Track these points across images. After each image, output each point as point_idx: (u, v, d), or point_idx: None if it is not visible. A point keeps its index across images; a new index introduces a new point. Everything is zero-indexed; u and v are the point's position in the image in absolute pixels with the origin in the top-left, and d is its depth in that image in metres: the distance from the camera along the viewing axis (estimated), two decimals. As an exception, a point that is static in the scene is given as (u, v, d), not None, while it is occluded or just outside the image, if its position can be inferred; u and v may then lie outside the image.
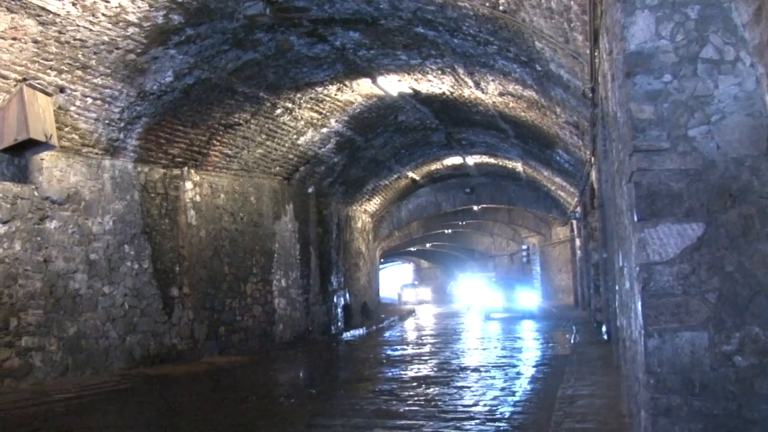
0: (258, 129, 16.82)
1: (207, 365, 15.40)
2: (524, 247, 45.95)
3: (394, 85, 16.29)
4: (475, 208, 36.62)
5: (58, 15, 10.16)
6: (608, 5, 5.99)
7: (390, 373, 14.18)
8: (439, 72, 14.82)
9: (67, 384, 12.25)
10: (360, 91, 16.75)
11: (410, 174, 28.06)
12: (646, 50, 5.14)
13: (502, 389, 11.64)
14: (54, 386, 12.01)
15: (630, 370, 6.88)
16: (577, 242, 27.86)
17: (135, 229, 14.65)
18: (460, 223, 45.69)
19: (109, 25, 10.81)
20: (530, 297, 31.93)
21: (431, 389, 11.86)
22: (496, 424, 9.00)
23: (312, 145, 19.38)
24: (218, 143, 16.27)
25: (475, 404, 10.30)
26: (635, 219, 5.13)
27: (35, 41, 10.58)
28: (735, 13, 4.98)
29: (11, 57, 10.68)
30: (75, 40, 10.88)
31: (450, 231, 50.57)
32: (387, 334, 25.58)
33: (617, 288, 9.17)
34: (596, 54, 8.06)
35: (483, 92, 15.67)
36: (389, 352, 18.90)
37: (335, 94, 16.76)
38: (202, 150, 16.00)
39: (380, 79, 15.77)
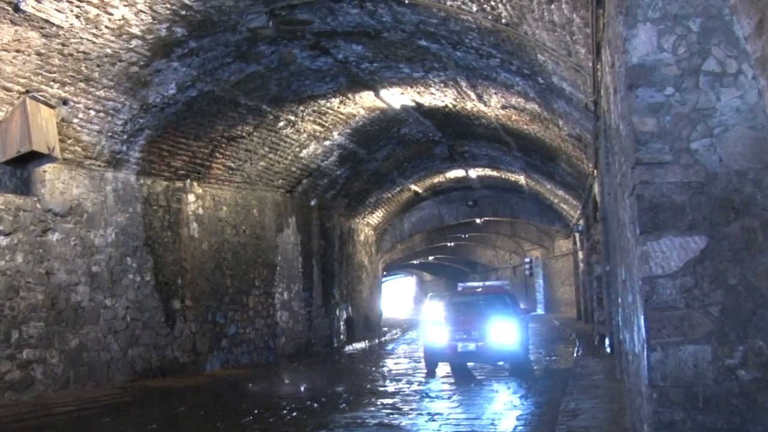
0: (261, 142, 16.84)
1: (209, 378, 15.36)
2: (527, 260, 45.88)
3: (396, 97, 16.31)
4: (478, 221, 36.60)
5: (62, 27, 10.19)
6: (610, 18, 5.99)
7: (392, 387, 14.12)
8: (442, 85, 14.85)
9: (68, 397, 12.21)
10: (363, 103, 16.78)
11: (413, 187, 28.06)
12: (648, 63, 5.14)
13: (505, 402, 11.59)
14: (55, 399, 11.98)
15: (633, 384, 6.85)
16: (580, 255, 27.81)
17: (137, 241, 14.65)
18: (463, 236, 45.68)
19: (113, 38, 10.85)
20: (509, 330, 15.54)
21: (434, 402, 11.81)
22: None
23: (315, 157, 19.40)
24: (221, 156, 16.28)
25: (478, 417, 10.25)
26: (638, 232, 5.11)
27: (38, 53, 10.61)
28: (737, 25, 4.98)
29: (14, 69, 10.71)
30: (78, 52, 10.91)
31: (453, 244, 50.54)
32: (389, 347, 25.52)
33: (620, 301, 9.14)
34: (598, 67, 8.07)
35: (485, 105, 15.69)
36: (392, 365, 18.84)
37: (338, 107, 16.79)
38: (204, 162, 16.02)
39: (383, 92, 15.80)
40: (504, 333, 15.12)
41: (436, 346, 15.66)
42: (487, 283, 32.13)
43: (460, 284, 24.25)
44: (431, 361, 16.08)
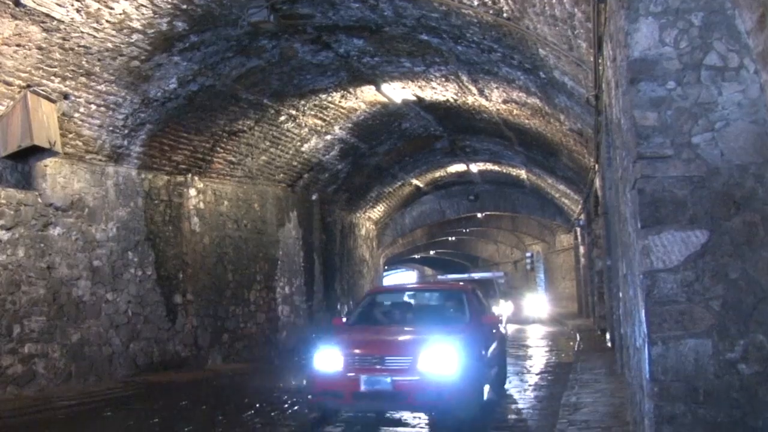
0: (262, 136, 16.83)
1: (210, 372, 15.39)
2: (528, 254, 45.91)
3: (398, 92, 16.30)
4: (479, 215, 36.59)
5: (63, 22, 10.19)
6: (612, 12, 5.98)
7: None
8: (443, 79, 14.83)
9: (70, 391, 12.24)
10: (364, 98, 16.77)
11: (414, 181, 28.06)
12: (649, 57, 5.13)
13: (507, 397, 11.59)
14: (57, 393, 12.00)
15: (634, 378, 6.85)
16: (581, 250, 27.82)
17: (138, 236, 14.66)
18: (464, 231, 45.66)
19: (114, 32, 10.84)
20: (447, 357, 8.95)
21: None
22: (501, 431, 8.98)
23: (316, 152, 19.39)
24: (222, 150, 16.28)
25: (479, 411, 10.25)
26: (639, 226, 5.11)
27: (39, 48, 10.61)
28: (738, 20, 4.97)
29: (15, 63, 10.71)
30: (79, 46, 10.91)
31: (454, 238, 50.55)
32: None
33: (621, 295, 9.14)
34: (600, 61, 8.05)
35: (487, 99, 15.67)
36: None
37: (339, 101, 16.78)
38: (206, 157, 16.02)
39: (384, 87, 15.78)
40: (439, 361, 8.94)
41: (325, 379, 9.33)
42: (474, 275, 29.95)
43: (439, 277, 20.91)
44: (320, 407, 9.72)
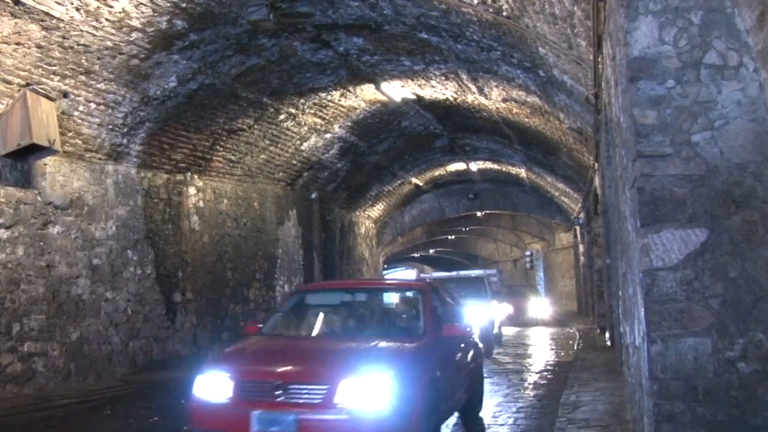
0: (261, 134, 16.82)
1: (210, 371, 15.36)
2: (528, 253, 45.92)
3: (397, 90, 16.29)
4: (479, 214, 36.59)
5: (62, 20, 10.18)
6: (612, 11, 5.98)
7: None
8: (443, 78, 14.82)
9: (69, 389, 12.23)
10: (363, 96, 16.76)
11: (414, 180, 28.06)
12: (649, 55, 5.12)
13: (506, 395, 11.59)
14: (56, 392, 12.00)
15: (633, 376, 6.85)
16: (581, 248, 27.81)
17: (138, 234, 14.65)
18: (464, 229, 45.69)
19: (113, 30, 10.83)
20: (377, 388, 6.30)
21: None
22: (500, 430, 8.97)
23: (315, 150, 19.38)
24: (222, 149, 16.27)
25: (475, 408, 10.25)
26: (638, 225, 5.11)
27: (39, 46, 10.59)
28: (738, 18, 4.97)
29: (15, 62, 10.70)
30: (78, 45, 10.89)
31: (453, 237, 50.57)
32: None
33: (620, 294, 9.14)
34: (599, 59, 8.05)
35: (486, 98, 15.67)
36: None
37: (339, 100, 16.77)
38: (205, 155, 16.01)
39: (384, 85, 15.77)
40: (369, 392, 6.39)
41: (207, 412, 6.84)
42: (462, 273, 28.56)
43: (424, 275, 17.33)
44: None
